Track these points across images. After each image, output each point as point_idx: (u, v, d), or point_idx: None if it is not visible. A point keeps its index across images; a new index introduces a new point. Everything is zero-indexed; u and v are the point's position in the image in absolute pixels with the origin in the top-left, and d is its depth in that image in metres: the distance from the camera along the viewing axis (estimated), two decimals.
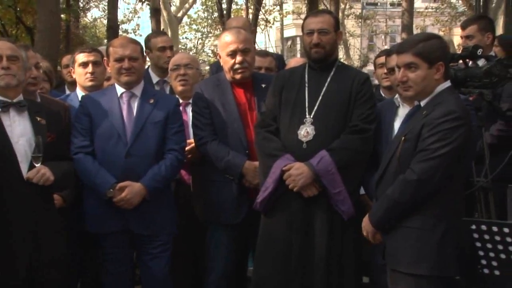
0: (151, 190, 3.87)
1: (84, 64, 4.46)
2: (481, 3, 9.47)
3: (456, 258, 3.10)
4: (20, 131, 3.43)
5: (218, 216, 4.12)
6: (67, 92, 5.08)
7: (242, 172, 3.99)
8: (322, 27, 3.84)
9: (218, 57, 4.29)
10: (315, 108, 3.81)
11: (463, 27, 4.84)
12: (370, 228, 3.31)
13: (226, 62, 4.13)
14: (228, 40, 4.13)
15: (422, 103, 3.25)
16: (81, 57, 4.49)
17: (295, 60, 5.19)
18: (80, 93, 4.46)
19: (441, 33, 17.80)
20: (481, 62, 4.14)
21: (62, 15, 12.51)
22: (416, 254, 3.11)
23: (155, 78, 5.15)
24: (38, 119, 3.50)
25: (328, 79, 3.88)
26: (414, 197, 3.10)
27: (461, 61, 3.91)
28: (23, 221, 3.35)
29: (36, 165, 3.38)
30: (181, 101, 4.38)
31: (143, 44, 4.79)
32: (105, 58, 4.15)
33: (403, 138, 3.21)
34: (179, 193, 4.35)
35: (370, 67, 23.13)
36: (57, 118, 3.69)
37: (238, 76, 4.12)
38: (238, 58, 4.07)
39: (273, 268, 3.79)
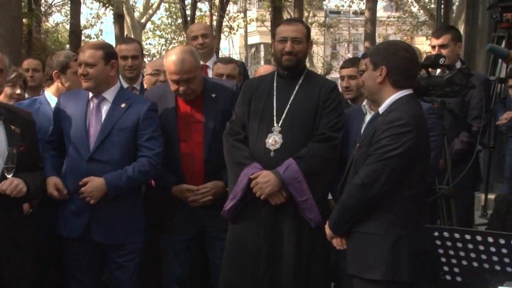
0: (111, 187, 3.77)
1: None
2: (442, 13, 9.67)
3: (411, 264, 3.12)
4: None
5: (163, 223, 4.18)
6: (26, 96, 4.99)
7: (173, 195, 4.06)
8: (296, 36, 3.86)
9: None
10: (283, 116, 3.83)
11: (437, 36, 4.88)
12: (328, 232, 3.36)
13: (171, 85, 4.05)
14: (170, 69, 3.98)
15: (380, 110, 3.29)
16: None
17: (265, 68, 5.20)
18: (49, 96, 4.37)
19: None
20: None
21: (24, 20, 12.30)
22: (370, 259, 3.15)
23: (125, 85, 5.07)
24: (13, 127, 3.41)
25: (296, 87, 3.90)
26: (360, 201, 3.15)
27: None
28: None
29: (8, 176, 3.28)
30: None
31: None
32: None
33: (358, 144, 3.28)
34: (148, 196, 4.34)
35: (333, 75, 23.35)
36: (31, 127, 3.60)
37: (183, 99, 4.09)
38: (182, 88, 3.98)
39: (241, 273, 3.80)
